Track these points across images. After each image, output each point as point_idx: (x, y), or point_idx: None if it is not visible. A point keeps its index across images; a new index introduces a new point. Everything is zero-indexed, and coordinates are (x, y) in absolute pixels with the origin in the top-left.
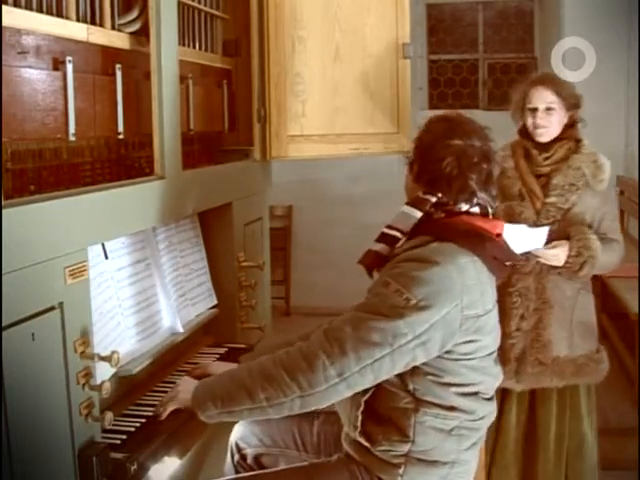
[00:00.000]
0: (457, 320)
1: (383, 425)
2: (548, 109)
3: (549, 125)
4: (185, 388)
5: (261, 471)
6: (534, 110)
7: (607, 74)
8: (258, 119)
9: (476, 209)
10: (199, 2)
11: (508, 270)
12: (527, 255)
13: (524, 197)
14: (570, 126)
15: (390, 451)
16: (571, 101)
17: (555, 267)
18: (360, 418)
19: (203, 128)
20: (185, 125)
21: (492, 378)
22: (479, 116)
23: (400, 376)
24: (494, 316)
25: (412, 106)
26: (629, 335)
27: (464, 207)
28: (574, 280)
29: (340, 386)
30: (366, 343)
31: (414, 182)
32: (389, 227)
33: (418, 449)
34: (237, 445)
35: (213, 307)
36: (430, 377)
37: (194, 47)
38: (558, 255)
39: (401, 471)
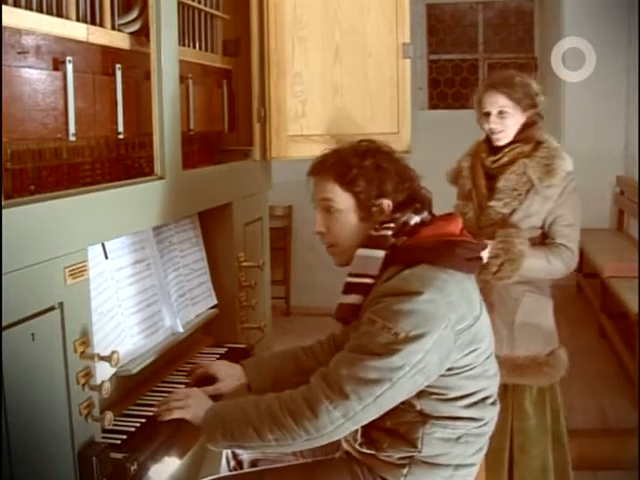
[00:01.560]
0: (450, 339)
1: (389, 436)
2: (501, 112)
3: (504, 128)
4: (197, 403)
5: (265, 467)
6: (487, 114)
7: (607, 74)
8: (258, 119)
9: (425, 214)
10: (199, 2)
11: (480, 263)
12: None
13: (472, 198)
14: (529, 126)
15: (394, 455)
16: (526, 102)
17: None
18: (360, 431)
19: (203, 128)
20: (185, 125)
21: (494, 379)
22: None
23: (406, 401)
24: (484, 318)
25: (412, 106)
26: (629, 335)
27: (418, 219)
28: (516, 281)
29: (346, 424)
30: (365, 383)
31: (361, 221)
32: (355, 275)
33: (425, 455)
34: (233, 451)
35: (213, 307)
36: (435, 396)
37: (194, 47)
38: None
39: (405, 471)
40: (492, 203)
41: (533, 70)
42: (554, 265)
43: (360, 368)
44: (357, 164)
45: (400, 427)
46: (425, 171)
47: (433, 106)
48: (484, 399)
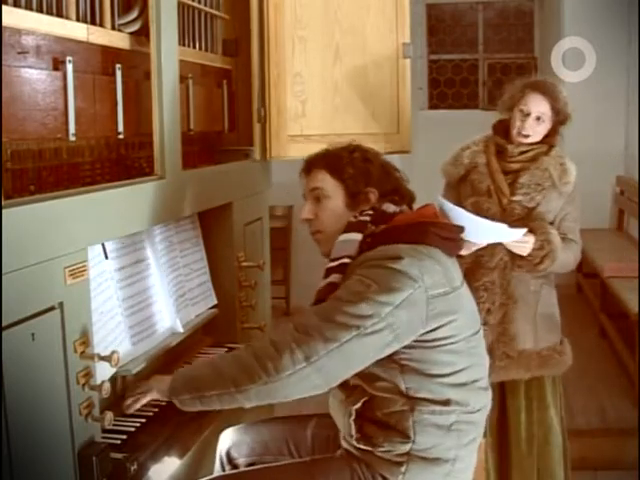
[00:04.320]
0: (422, 301)
1: (383, 429)
2: (538, 118)
3: (534, 134)
4: (159, 379)
5: (263, 465)
6: (526, 115)
7: (607, 74)
8: (258, 119)
9: (404, 207)
10: (199, 2)
11: (462, 245)
12: (492, 250)
13: (492, 194)
14: (551, 134)
15: (391, 451)
16: (560, 117)
17: (517, 260)
18: (354, 426)
19: (203, 128)
20: (185, 125)
21: (482, 358)
22: (479, 116)
23: (390, 378)
24: (465, 294)
25: (412, 106)
26: (629, 335)
27: (396, 209)
28: (534, 274)
29: (307, 370)
30: (331, 324)
31: (347, 208)
32: (334, 260)
33: (419, 447)
34: (228, 455)
35: (213, 307)
36: (419, 372)
37: (194, 47)
38: (527, 244)
39: (403, 469)
40: (518, 198)
41: (533, 70)
42: (569, 260)
43: (329, 311)
44: (346, 155)
45: (390, 418)
46: (425, 171)
47: (433, 106)
48: (473, 382)
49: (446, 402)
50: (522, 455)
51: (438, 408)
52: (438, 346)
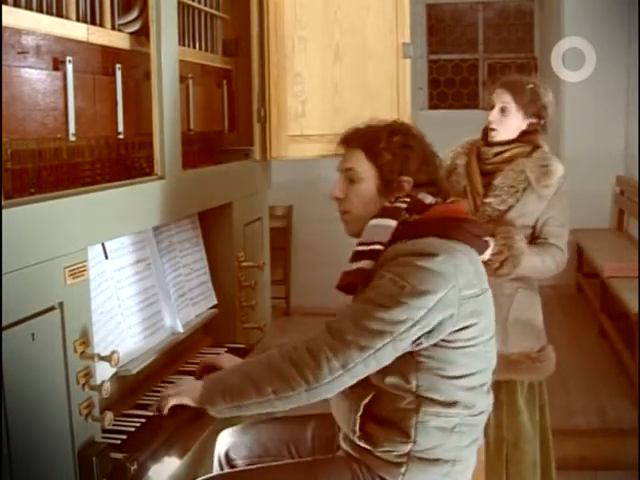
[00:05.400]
0: (455, 302)
1: (384, 427)
2: (503, 109)
3: (500, 126)
4: (190, 387)
5: (265, 464)
6: (491, 108)
7: (607, 74)
8: (258, 119)
9: (439, 199)
10: (199, 2)
11: (487, 245)
12: None
13: (467, 195)
14: (529, 134)
15: (392, 451)
16: (531, 109)
17: None
18: (359, 422)
19: (203, 128)
20: (185, 125)
21: (492, 363)
22: (479, 116)
23: (403, 373)
24: (490, 297)
25: (412, 106)
26: (629, 335)
27: (432, 200)
28: (496, 277)
29: (344, 377)
30: (367, 332)
31: (379, 194)
32: (365, 244)
33: (420, 448)
34: (227, 456)
35: (213, 307)
36: (435, 371)
37: (194, 47)
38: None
39: (403, 470)
40: (489, 200)
41: (533, 70)
42: (547, 264)
43: (363, 318)
44: (386, 138)
45: (395, 416)
46: None
47: (433, 106)
48: (482, 385)
49: (452, 404)
50: (489, 458)
51: (444, 410)
52: (460, 347)
